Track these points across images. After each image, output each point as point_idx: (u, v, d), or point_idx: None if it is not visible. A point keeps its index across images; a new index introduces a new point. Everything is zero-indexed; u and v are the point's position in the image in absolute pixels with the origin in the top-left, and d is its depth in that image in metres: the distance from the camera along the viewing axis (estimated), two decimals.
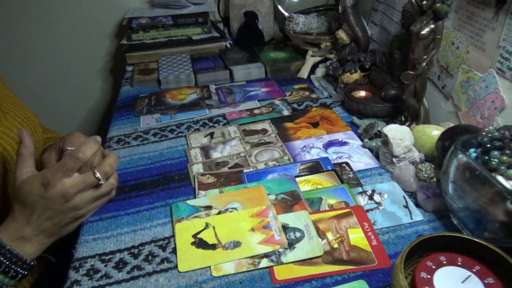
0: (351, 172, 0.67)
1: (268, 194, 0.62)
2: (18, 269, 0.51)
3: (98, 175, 0.56)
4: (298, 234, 0.54)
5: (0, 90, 0.68)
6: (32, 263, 0.53)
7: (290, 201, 0.61)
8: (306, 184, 0.65)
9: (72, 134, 0.64)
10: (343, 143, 0.76)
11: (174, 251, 0.54)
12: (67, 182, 0.53)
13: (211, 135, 0.80)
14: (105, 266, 0.52)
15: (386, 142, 0.66)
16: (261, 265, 0.51)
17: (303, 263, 0.51)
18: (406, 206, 0.60)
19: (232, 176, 0.68)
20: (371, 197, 0.62)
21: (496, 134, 0.49)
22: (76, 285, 0.50)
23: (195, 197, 0.63)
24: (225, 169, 0.70)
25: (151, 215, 0.61)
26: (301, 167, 0.69)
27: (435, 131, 0.66)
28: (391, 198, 0.61)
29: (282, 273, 0.50)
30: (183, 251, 0.53)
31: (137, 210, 0.62)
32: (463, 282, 0.39)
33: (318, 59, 1.05)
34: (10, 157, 0.60)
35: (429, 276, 0.39)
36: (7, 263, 0.50)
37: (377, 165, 0.69)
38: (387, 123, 0.73)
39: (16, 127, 0.63)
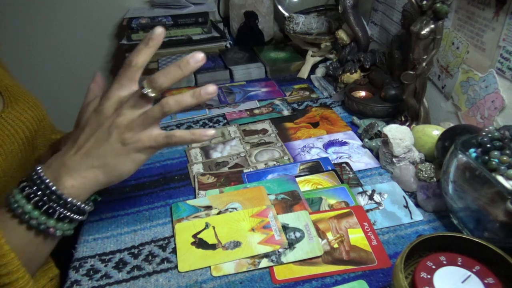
0: (351, 172, 0.67)
1: (268, 194, 0.62)
2: (53, 204, 0.45)
3: (143, 82, 0.46)
4: (298, 234, 0.54)
5: (10, 80, 0.69)
6: (68, 199, 0.45)
7: (290, 201, 0.61)
8: (306, 184, 0.65)
9: (69, 134, 0.65)
10: (343, 143, 0.76)
11: (174, 251, 0.54)
12: (121, 94, 0.47)
13: None
14: (105, 266, 0.52)
15: (386, 142, 0.66)
16: (261, 265, 0.51)
17: (303, 263, 0.51)
18: (406, 206, 0.60)
19: (232, 176, 0.68)
20: (371, 197, 0.62)
21: (496, 134, 0.49)
22: (76, 285, 0.50)
23: (195, 197, 0.63)
24: (225, 169, 0.70)
25: (151, 215, 0.61)
26: (301, 167, 0.69)
27: (435, 131, 0.66)
28: (391, 198, 0.61)
29: (282, 273, 0.50)
30: (183, 251, 0.53)
31: (137, 210, 0.62)
32: (463, 282, 0.39)
33: (318, 59, 1.05)
34: (21, 139, 0.61)
35: (429, 276, 0.39)
36: (34, 189, 0.44)
37: (377, 165, 0.69)
38: (387, 123, 0.73)
39: (26, 112, 0.63)
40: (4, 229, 0.44)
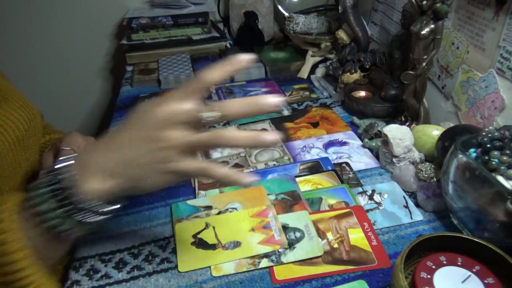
0: (351, 172, 0.67)
1: (268, 194, 0.62)
2: (70, 199, 0.41)
3: (204, 109, 0.42)
4: (298, 234, 0.54)
5: (0, 80, 0.68)
6: (86, 202, 0.41)
7: (290, 201, 0.61)
8: (306, 184, 0.65)
9: (69, 133, 0.64)
10: (343, 143, 0.76)
11: (174, 251, 0.54)
12: (177, 107, 0.41)
13: None
14: (105, 266, 0.52)
15: (386, 142, 0.66)
16: (261, 265, 0.51)
17: (303, 263, 0.51)
18: (406, 206, 0.60)
19: None
20: (371, 197, 0.62)
21: (496, 134, 0.49)
22: (76, 285, 0.50)
23: (195, 197, 0.63)
24: None
25: (151, 215, 0.61)
26: (301, 167, 0.69)
27: (435, 131, 0.66)
28: (391, 198, 0.61)
29: (282, 273, 0.50)
30: (183, 251, 0.53)
31: (137, 210, 0.62)
32: (463, 282, 0.39)
33: (318, 59, 1.05)
34: (11, 139, 0.60)
35: (429, 276, 0.39)
36: (55, 184, 0.41)
37: (377, 165, 0.69)
38: (387, 123, 0.73)
39: (15, 111, 0.63)
40: (21, 227, 0.40)
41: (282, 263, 0.51)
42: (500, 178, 0.45)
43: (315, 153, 0.73)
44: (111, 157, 0.42)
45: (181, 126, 0.41)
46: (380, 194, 0.62)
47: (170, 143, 0.41)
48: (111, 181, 0.42)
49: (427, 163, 0.63)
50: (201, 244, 0.54)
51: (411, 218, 0.58)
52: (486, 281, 0.39)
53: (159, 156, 0.42)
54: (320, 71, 1.03)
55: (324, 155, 0.73)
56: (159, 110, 0.41)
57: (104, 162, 0.42)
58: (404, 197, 0.61)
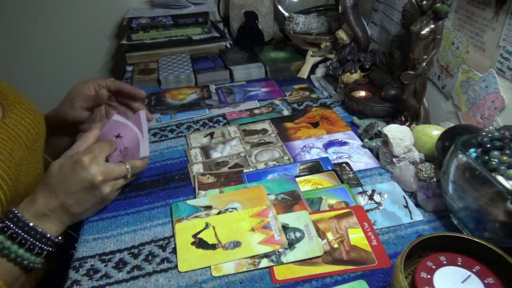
0: (351, 172, 0.67)
1: (268, 194, 0.62)
2: (43, 246, 0.52)
3: (128, 169, 0.61)
4: (298, 234, 0.54)
5: (1, 82, 0.69)
6: (56, 240, 0.54)
7: (290, 201, 0.61)
8: (306, 184, 0.65)
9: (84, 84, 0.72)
10: (343, 143, 0.76)
11: (174, 251, 0.54)
12: (110, 166, 0.58)
13: (211, 135, 0.80)
14: (105, 266, 0.52)
15: (386, 142, 0.66)
16: (261, 265, 0.51)
17: (303, 263, 0.51)
18: (406, 206, 0.60)
19: (232, 176, 0.68)
20: (371, 197, 0.62)
21: (496, 134, 0.49)
22: (76, 285, 0.50)
23: (195, 197, 0.63)
24: (225, 169, 0.70)
25: (151, 215, 0.61)
26: (301, 167, 0.69)
27: (435, 131, 0.66)
28: (391, 198, 0.61)
29: (282, 273, 0.50)
30: (183, 251, 0.53)
31: (137, 210, 0.62)
32: (463, 282, 0.39)
33: (318, 59, 1.05)
34: (25, 144, 0.61)
35: (429, 276, 0.39)
36: (32, 240, 0.51)
37: (377, 165, 0.69)
38: (387, 123, 0.73)
39: (25, 115, 0.64)
40: None
41: (282, 263, 0.51)
42: (500, 178, 0.45)
43: (315, 153, 0.73)
44: (67, 218, 0.56)
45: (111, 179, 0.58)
46: (380, 194, 0.62)
47: (107, 195, 0.58)
48: (65, 220, 0.56)
49: (427, 163, 0.63)
50: (201, 244, 0.54)
51: (411, 218, 0.58)
52: (486, 281, 0.39)
53: (97, 200, 0.58)
54: (320, 71, 1.03)
55: (324, 155, 0.73)
56: (97, 167, 0.56)
57: (57, 207, 0.54)
58: (404, 197, 0.61)
